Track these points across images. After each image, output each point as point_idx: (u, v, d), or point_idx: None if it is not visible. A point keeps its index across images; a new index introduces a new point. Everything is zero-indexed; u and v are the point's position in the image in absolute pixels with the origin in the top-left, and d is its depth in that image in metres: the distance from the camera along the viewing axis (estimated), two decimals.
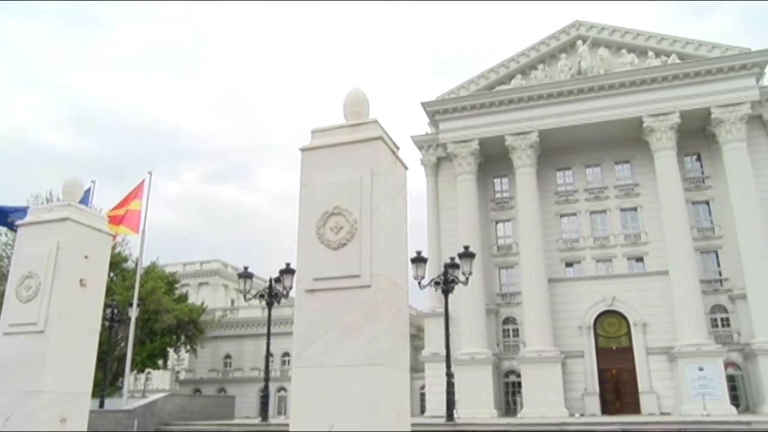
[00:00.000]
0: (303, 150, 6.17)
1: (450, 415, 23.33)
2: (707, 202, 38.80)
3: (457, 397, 31.83)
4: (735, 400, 33.31)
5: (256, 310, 52.31)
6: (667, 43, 38.96)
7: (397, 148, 6.43)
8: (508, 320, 40.19)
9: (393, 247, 5.88)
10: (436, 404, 34.81)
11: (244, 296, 26.35)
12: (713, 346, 33.34)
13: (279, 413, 47.62)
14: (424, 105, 42.03)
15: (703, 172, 39.41)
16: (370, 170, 5.75)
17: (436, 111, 41.70)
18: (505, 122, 39.83)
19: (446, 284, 24.38)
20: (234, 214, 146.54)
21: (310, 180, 5.96)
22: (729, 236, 36.67)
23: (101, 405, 25.69)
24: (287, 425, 5.58)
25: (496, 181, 43.33)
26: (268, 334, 27.69)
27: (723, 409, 30.39)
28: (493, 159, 41.93)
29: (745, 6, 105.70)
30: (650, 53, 38.91)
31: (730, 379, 33.82)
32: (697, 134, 38.55)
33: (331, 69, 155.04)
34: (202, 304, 51.09)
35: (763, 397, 31.89)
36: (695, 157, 39.92)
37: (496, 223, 42.39)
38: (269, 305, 27.02)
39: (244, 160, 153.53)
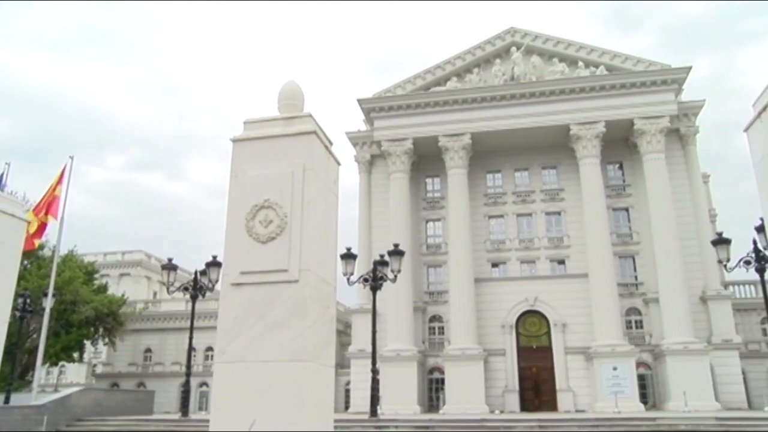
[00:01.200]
0: (234, 141, 6.05)
1: (374, 411, 23.49)
2: (627, 209, 40.61)
3: (381, 393, 32.04)
4: (644, 397, 35.09)
5: (179, 303, 50.99)
6: (596, 54, 40.50)
7: (331, 144, 6.41)
8: (434, 318, 40.80)
9: (322, 242, 5.85)
10: (361, 400, 34.90)
11: (168, 289, 25.60)
12: (627, 346, 34.98)
13: (200, 409, 46.61)
14: (360, 102, 42.08)
15: (624, 180, 41.22)
16: (303, 165, 5.70)
17: (372, 108, 41.83)
18: (440, 123, 40.38)
19: (375, 281, 24.52)
20: (160, 204, 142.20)
21: (240, 172, 5.85)
22: (646, 242, 38.52)
23: (7, 400, 24.29)
24: (208, 421, 5.46)
25: (428, 180, 43.87)
26: (191, 328, 27.03)
27: (633, 406, 31.95)
28: (426, 159, 42.43)
29: (666, 25, 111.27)
30: (580, 63, 40.35)
31: (641, 378, 35.58)
32: (620, 144, 40.25)
33: (267, 62, 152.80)
34: (123, 295, 49.38)
35: (669, 394, 33.70)
36: (617, 165, 41.67)
37: (427, 222, 42.94)
38: (193, 298, 26.35)
39: (173, 148, 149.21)
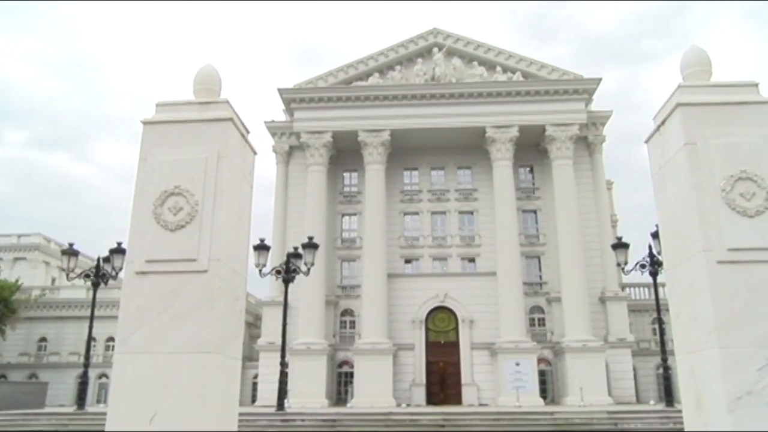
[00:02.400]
0: (145, 123, 5.81)
1: (281, 405, 23.31)
2: (535, 211, 42.27)
3: (290, 386, 31.90)
4: (544, 392, 36.71)
5: (80, 290, 48.50)
6: (514, 61, 41.84)
7: (248, 132, 6.28)
8: (346, 312, 40.92)
9: (234, 232, 5.73)
10: (269, 393, 34.57)
11: (68, 275, 24.31)
12: (530, 343, 36.44)
13: (99, 402, 44.54)
14: (281, 91, 41.48)
15: (534, 184, 42.86)
16: (218, 152, 5.55)
17: (293, 99, 41.32)
18: (360, 118, 40.46)
19: (288, 274, 24.31)
20: (63, 186, 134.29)
21: (150, 156, 5.62)
22: (551, 244, 40.25)
23: None
24: (104, 415, 5.23)
25: (346, 175, 43.89)
26: (92, 317, 25.80)
27: (533, 401, 33.34)
28: (344, 153, 42.42)
29: (579, 38, 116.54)
30: (498, 68, 41.55)
31: (542, 373, 37.23)
32: (531, 148, 41.77)
33: (186, 45, 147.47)
34: (17, 281, 46.45)
35: (567, 390, 35.42)
36: (528, 169, 43.27)
37: (343, 216, 42.96)
38: (95, 286, 25.18)
39: (80, 128, 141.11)
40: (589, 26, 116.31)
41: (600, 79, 40.52)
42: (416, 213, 42.37)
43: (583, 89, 40.48)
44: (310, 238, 24.99)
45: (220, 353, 5.21)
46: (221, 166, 5.52)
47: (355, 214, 42.61)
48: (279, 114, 45.42)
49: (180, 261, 5.27)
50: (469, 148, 41.98)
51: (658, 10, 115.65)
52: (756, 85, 5.45)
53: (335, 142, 41.22)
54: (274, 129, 43.55)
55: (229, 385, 5.50)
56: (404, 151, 42.06)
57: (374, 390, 34.50)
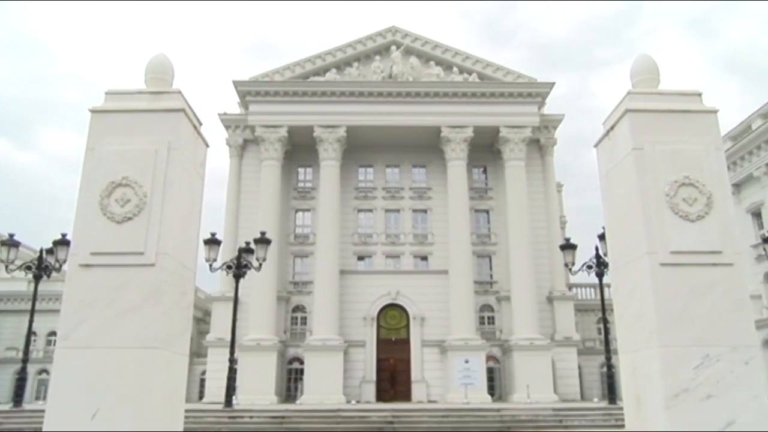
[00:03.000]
0: (93, 111, 5.65)
1: (228, 402, 23.01)
2: (488, 211, 42.84)
3: (238, 383, 31.53)
4: (492, 389, 37.32)
5: (20, 283, 46.73)
6: (471, 62, 42.29)
7: (200, 124, 6.17)
8: (298, 308, 40.66)
9: (184, 226, 5.62)
10: (217, 390, 33.95)
11: (6, 267, 23.38)
12: (479, 341, 36.95)
13: (38, 398, 43.06)
14: (237, 84, 40.86)
15: (487, 184, 43.45)
16: (168, 143, 5.43)
17: (248, 92, 40.74)
18: (316, 113, 40.22)
19: (239, 269, 24.00)
20: (5, 174, 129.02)
21: (98, 145, 5.47)
22: (502, 243, 40.88)
23: None
24: (43, 412, 5.06)
25: (301, 170, 43.58)
26: (33, 311, 24.86)
27: (481, 397, 33.85)
28: (300, 148, 42.11)
29: (534, 43, 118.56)
30: (455, 69, 41.94)
31: (490, 371, 37.84)
32: (485, 149, 42.31)
33: (139, 33, 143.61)
34: None
35: (514, 387, 36.09)
36: (482, 169, 43.82)
37: (296, 211, 42.65)
38: (37, 278, 24.27)
39: (22, 113, 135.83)
40: (543, 32, 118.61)
41: (553, 84, 41.35)
42: (370, 210, 42.40)
43: (536, 93, 41.24)
44: (263, 233, 24.72)
45: (166, 349, 5.11)
46: (172, 157, 5.40)
47: (308, 210, 42.35)
48: (233, 106, 44.78)
49: (127, 254, 5.14)
50: (424, 146, 42.24)
51: (607, 19, 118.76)
52: (699, 94, 5.65)
53: (290, 137, 40.87)
54: (228, 121, 42.89)
55: (175, 382, 5.40)
56: (360, 148, 42.04)
57: (324, 387, 34.39)
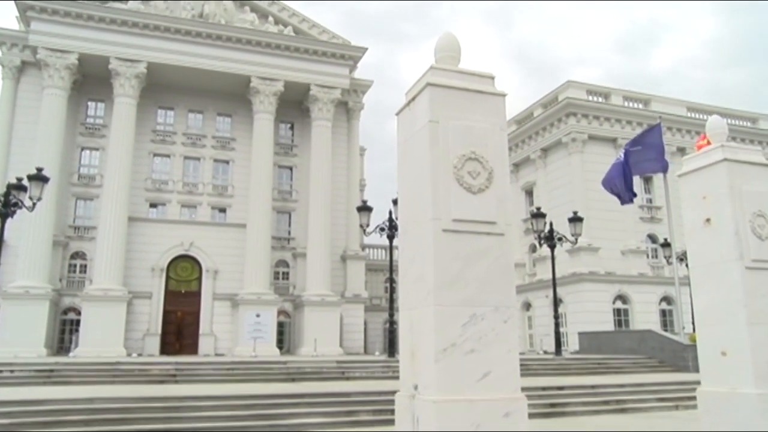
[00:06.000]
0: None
1: None
2: (291, 168, 42.85)
3: (2, 334, 28.34)
4: (281, 343, 38.03)
5: None
6: (287, 14, 41.35)
7: None
8: (77, 255, 37.34)
9: None
10: None
11: None
12: (272, 296, 37.21)
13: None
14: None
15: (293, 141, 43.32)
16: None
17: (31, 7, 35.61)
18: (114, 44, 36.59)
19: (6, 207, 21.27)
20: None
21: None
22: (302, 201, 41.25)
23: None
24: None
25: (91, 104, 39.56)
26: None
27: (270, 351, 34.31)
28: (91, 79, 38.17)
29: (349, 10, 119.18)
30: (271, 18, 40.74)
31: (281, 325, 38.49)
32: (294, 105, 42.07)
33: None
34: None
35: (302, 341, 37.06)
36: (289, 125, 43.56)
37: (83, 149, 38.79)
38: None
39: None
40: (357, 3, 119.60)
41: (366, 49, 42.16)
42: (168, 156, 40.04)
43: (349, 55, 41.76)
44: (39, 170, 22.10)
45: None
46: None
47: (97, 149, 38.74)
48: (10, 20, 38.97)
49: None
50: (231, 95, 40.77)
51: None
52: (493, 77, 6.13)
53: (81, 66, 36.81)
54: (3, 38, 37.37)
55: None
56: (161, 87, 39.31)
57: (103, 339, 32.14)
